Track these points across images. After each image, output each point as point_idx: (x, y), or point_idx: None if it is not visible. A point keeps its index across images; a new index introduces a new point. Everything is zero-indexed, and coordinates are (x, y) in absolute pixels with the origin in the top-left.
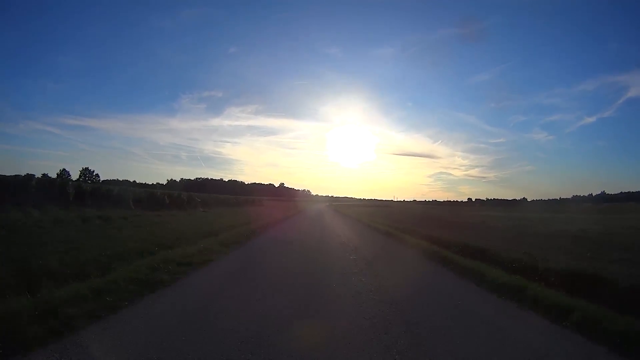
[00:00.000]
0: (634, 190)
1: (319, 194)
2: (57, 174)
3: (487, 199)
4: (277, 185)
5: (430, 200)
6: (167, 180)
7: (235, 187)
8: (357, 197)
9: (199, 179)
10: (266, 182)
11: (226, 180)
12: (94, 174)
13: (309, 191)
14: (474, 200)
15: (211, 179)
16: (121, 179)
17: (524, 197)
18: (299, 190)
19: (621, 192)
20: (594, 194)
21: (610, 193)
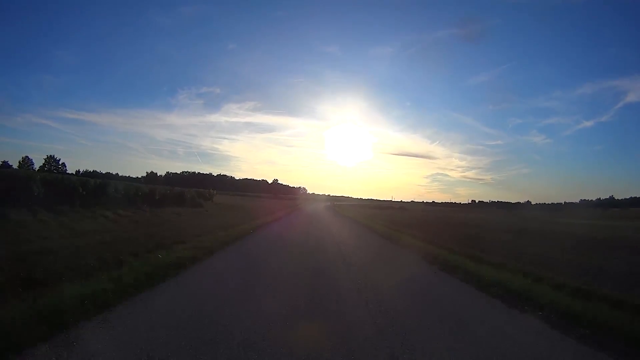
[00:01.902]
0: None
1: (316, 192)
2: (19, 162)
3: (491, 201)
4: (270, 181)
5: (430, 201)
6: (147, 172)
7: (224, 182)
8: (354, 196)
9: (185, 172)
10: (259, 178)
11: (215, 175)
12: (60, 162)
13: (305, 189)
14: (477, 202)
15: (199, 173)
16: (103, 172)
17: (528, 200)
18: (294, 187)
19: (631, 197)
20: (601, 198)
21: (618, 198)
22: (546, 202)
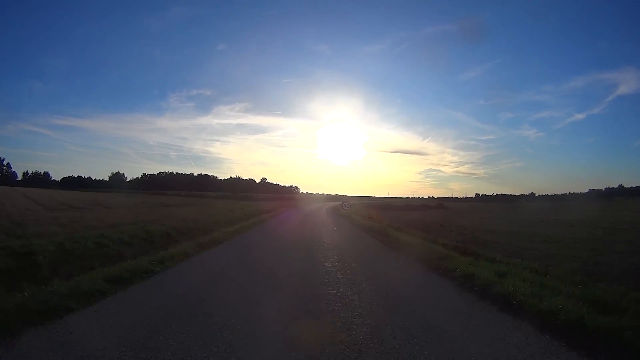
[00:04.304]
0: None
1: (310, 192)
2: None
3: (495, 194)
4: (258, 180)
5: (426, 197)
6: (112, 172)
7: (206, 183)
8: (348, 194)
9: (162, 173)
10: (246, 177)
11: (196, 175)
12: (5, 162)
13: (297, 188)
14: (480, 195)
15: (177, 173)
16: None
17: (531, 192)
18: (285, 186)
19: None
20: (610, 187)
21: (627, 186)
22: (549, 194)
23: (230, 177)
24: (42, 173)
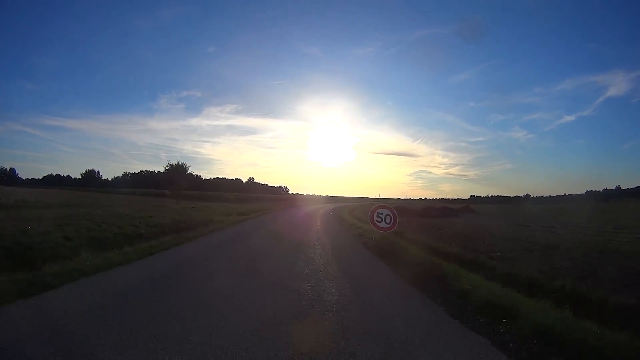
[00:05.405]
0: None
1: (300, 192)
2: None
3: (491, 196)
4: (245, 180)
5: (417, 198)
6: (85, 170)
7: (186, 182)
8: (339, 196)
9: (144, 171)
10: (232, 177)
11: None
12: None
13: (286, 188)
14: (475, 196)
15: (158, 172)
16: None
17: (527, 194)
18: (274, 187)
19: (638, 186)
20: (607, 188)
21: (624, 188)
22: (543, 196)
23: (217, 177)
24: (7, 170)
